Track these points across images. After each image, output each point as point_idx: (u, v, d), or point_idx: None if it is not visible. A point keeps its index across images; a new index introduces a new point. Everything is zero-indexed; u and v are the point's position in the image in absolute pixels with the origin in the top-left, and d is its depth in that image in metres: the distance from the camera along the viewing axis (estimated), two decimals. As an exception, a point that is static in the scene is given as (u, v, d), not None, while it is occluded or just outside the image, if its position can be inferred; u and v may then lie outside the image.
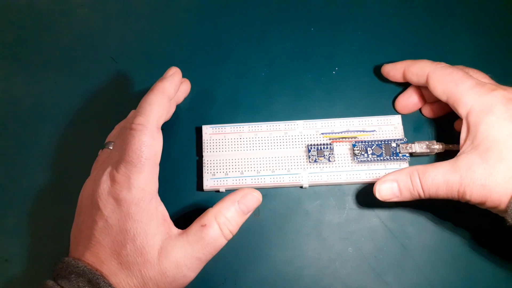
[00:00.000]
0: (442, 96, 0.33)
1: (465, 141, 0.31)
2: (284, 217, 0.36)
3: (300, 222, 0.35)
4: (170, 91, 0.31)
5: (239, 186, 0.35)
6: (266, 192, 0.36)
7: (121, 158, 0.29)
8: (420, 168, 0.31)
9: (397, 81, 0.38)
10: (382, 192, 0.33)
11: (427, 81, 0.34)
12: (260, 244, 0.35)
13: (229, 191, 0.34)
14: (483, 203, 0.29)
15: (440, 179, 0.30)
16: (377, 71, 0.40)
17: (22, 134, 0.39)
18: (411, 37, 0.41)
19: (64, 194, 0.37)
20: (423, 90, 0.37)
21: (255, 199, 0.30)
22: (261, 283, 0.34)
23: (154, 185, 0.29)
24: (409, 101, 0.37)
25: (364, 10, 0.42)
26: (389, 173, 0.33)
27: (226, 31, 0.42)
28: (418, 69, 0.35)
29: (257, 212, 0.36)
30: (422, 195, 0.32)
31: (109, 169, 0.29)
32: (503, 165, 0.28)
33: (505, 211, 0.28)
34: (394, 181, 0.32)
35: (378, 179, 0.34)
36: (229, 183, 0.35)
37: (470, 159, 0.29)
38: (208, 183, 0.35)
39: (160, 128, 0.30)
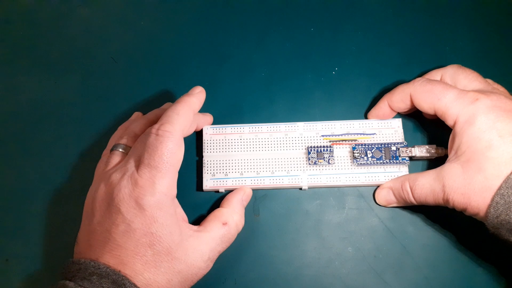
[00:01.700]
0: (430, 111, 0.34)
1: (451, 150, 0.32)
2: (283, 217, 0.36)
3: (299, 222, 0.36)
4: (196, 106, 0.33)
5: (239, 187, 0.35)
6: (266, 192, 0.36)
7: (144, 163, 0.29)
8: (411, 176, 0.33)
9: (389, 117, 0.37)
10: (381, 199, 0.35)
11: (412, 101, 0.35)
12: (260, 244, 0.35)
13: (229, 192, 0.35)
14: (464, 210, 0.30)
15: (428, 188, 0.32)
16: (377, 71, 0.40)
17: (22, 134, 0.39)
18: (411, 37, 0.41)
19: (65, 194, 0.37)
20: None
21: (251, 195, 0.36)
22: (261, 283, 0.34)
23: (174, 190, 0.30)
24: (382, 112, 0.37)
25: (364, 10, 0.42)
26: (387, 181, 0.35)
27: (226, 31, 0.42)
28: (399, 95, 0.35)
29: (257, 212, 0.36)
30: (415, 203, 0.33)
31: (129, 173, 0.30)
32: (480, 175, 0.29)
33: (485, 219, 0.29)
34: (390, 189, 0.35)
35: (377, 182, 0.35)
36: (229, 184, 0.35)
37: (453, 168, 0.31)
38: (208, 183, 0.35)
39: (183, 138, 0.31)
